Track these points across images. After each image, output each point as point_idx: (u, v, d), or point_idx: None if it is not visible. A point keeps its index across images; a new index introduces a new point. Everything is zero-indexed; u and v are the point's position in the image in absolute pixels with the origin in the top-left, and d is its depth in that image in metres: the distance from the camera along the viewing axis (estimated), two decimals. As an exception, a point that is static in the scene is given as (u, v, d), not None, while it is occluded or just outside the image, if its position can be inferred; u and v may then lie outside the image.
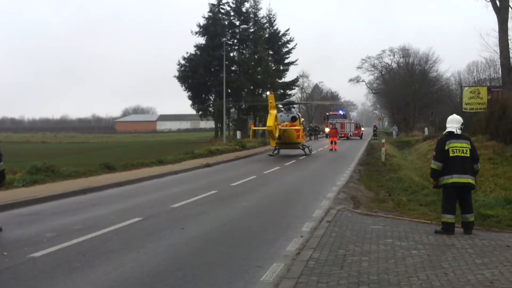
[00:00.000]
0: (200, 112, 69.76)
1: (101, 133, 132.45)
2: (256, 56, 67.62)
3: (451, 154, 10.22)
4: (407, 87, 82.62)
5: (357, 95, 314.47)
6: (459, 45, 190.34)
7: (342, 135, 65.51)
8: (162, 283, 7.33)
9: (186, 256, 8.90)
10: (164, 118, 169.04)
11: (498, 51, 36.79)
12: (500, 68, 42.46)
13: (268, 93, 47.69)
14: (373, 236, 10.10)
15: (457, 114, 11.23)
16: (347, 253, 8.67)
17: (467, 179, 10.12)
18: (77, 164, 25.72)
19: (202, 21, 68.22)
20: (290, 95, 75.35)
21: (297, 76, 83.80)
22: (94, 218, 12.44)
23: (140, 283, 7.40)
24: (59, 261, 8.50)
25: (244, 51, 72.88)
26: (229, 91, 63.92)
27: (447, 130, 10.58)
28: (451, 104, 69.45)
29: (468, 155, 10.21)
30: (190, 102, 69.73)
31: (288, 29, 75.52)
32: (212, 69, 67.09)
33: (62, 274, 7.78)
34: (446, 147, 10.31)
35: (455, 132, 10.44)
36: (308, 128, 69.02)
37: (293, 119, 35.91)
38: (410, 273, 7.44)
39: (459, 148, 10.21)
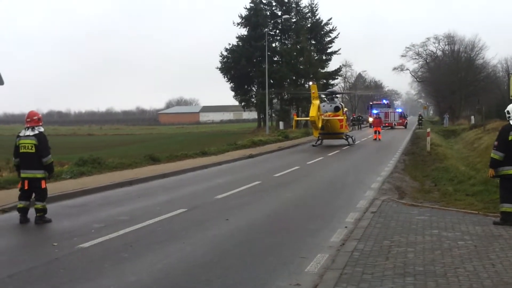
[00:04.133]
0: (242, 103, 70.01)
1: (145, 125, 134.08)
2: (298, 46, 67.41)
3: None
4: (453, 75, 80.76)
5: (401, 83, 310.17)
6: (506, 30, 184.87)
7: (386, 124, 64.69)
8: (207, 274, 7.40)
9: (231, 247, 8.97)
10: (207, 109, 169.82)
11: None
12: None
13: (310, 83, 47.44)
14: (419, 226, 9.98)
15: (504, 102, 10.84)
16: (392, 244, 8.59)
17: None
18: (123, 156, 26.17)
19: (244, 12, 68.20)
20: (333, 85, 74.62)
21: (340, 66, 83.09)
22: (140, 209, 12.65)
23: (185, 273, 7.49)
24: (107, 251, 8.69)
25: (286, 41, 72.59)
26: (272, 81, 63.73)
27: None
28: (498, 91, 67.83)
29: None
30: (232, 93, 70.07)
31: (330, 18, 74.94)
32: (254, 60, 67.03)
33: (110, 264, 7.95)
34: (510, 138, 9.90)
35: None
36: (351, 118, 68.50)
37: (336, 109, 35.68)
38: (457, 264, 7.34)
39: None
